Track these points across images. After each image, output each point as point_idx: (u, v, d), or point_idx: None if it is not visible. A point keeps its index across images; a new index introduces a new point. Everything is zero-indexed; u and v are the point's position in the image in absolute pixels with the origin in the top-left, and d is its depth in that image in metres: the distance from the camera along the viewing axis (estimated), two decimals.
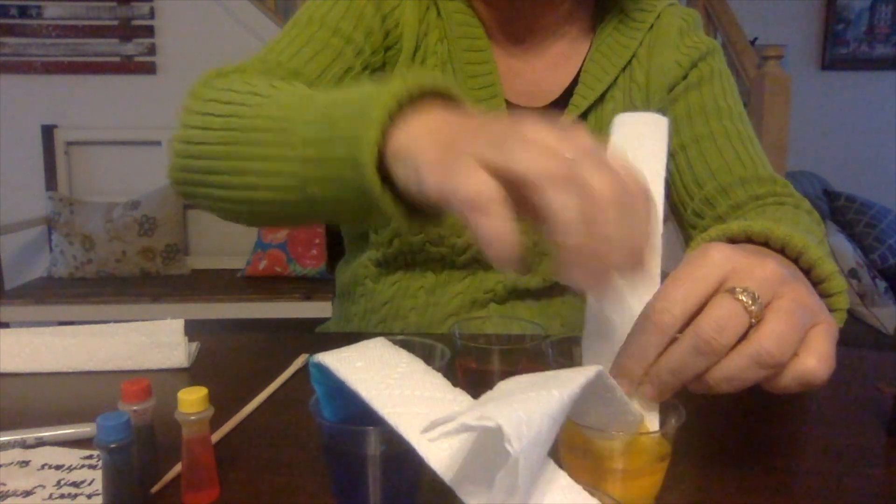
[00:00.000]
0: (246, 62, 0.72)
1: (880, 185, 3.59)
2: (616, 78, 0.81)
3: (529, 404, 0.31)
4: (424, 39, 0.79)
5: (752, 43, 2.75)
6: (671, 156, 0.83)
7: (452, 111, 0.44)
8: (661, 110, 0.81)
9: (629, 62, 0.82)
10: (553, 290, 0.82)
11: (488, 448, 0.33)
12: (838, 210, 2.96)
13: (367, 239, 0.84)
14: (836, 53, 3.69)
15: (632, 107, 0.82)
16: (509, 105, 0.80)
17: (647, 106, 0.82)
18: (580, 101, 0.80)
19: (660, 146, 0.48)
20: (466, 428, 0.30)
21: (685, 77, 0.82)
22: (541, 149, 0.36)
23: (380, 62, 0.78)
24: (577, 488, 0.32)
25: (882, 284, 2.69)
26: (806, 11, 3.68)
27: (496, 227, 0.36)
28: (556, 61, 0.83)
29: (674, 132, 0.82)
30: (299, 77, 0.70)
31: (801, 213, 0.73)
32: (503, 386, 0.35)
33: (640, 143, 0.48)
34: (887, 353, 0.78)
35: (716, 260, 0.41)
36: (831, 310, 0.50)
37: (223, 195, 0.58)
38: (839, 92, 3.72)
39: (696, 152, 0.80)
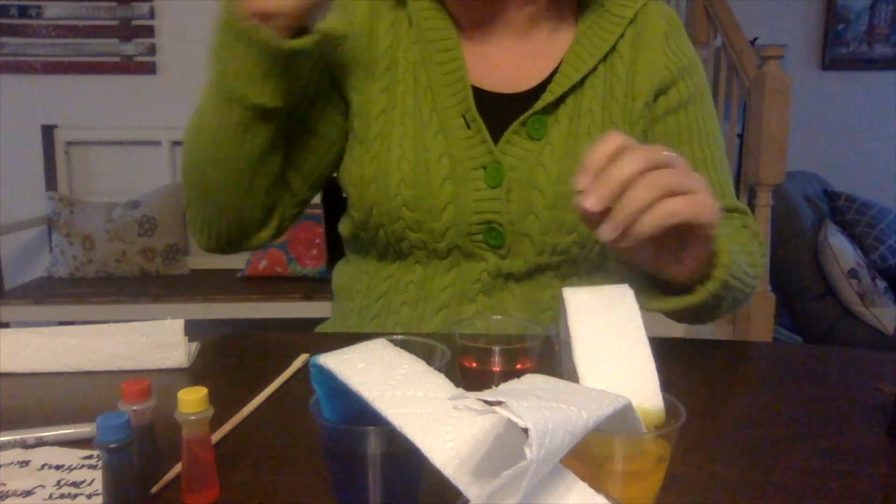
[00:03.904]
0: None
1: (880, 185, 3.59)
2: (596, 67, 0.84)
3: (559, 416, 0.31)
4: (389, 51, 0.84)
5: (752, 43, 2.74)
6: None
7: None
8: (647, 105, 0.84)
9: (610, 53, 0.84)
10: (534, 275, 0.84)
11: (502, 440, 0.33)
12: (838, 210, 2.96)
13: (362, 239, 0.88)
14: (836, 53, 3.69)
15: (612, 98, 0.84)
16: (481, 92, 0.83)
17: (630, 100, 0.84)
18: (556, 87, 0.82)
19: (633, 312, 0.48)
20: (494, 412, 0.30)
21: (672, 85, 0.85)
22: None
23: (332, 87, 0.85)
24: (592, 492, 0.32)
25: (882, 284, 2.69)
26: (806, 11, 3.67)
27: None
28: (536, 53, 0.86)
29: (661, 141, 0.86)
30: None
31: (746, 231, 0.83)
32: (531, 381, 0.35)
33: (612, 310, 0.48)
34: (887, 353, 0.78)
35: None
36: (709, 277, 0.66)
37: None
38: (839, 92, 3.72)
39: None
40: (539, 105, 0.81)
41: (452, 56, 0.83)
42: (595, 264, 0.86)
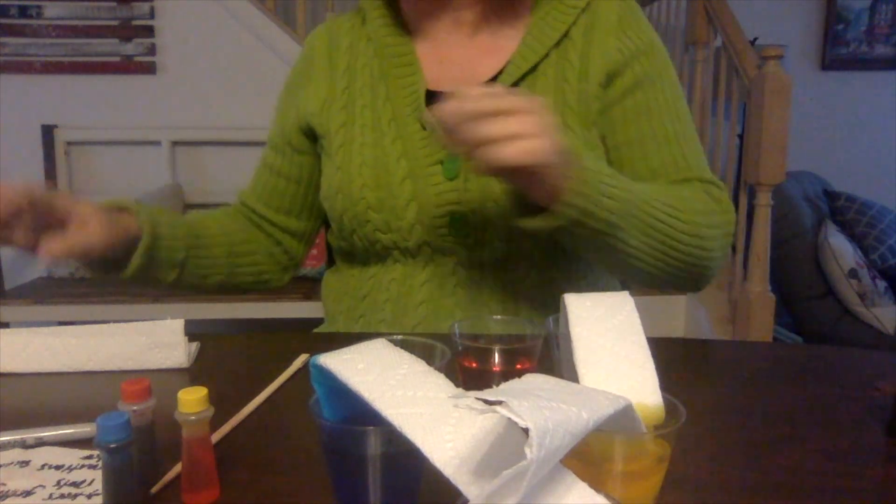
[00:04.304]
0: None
1: (880, 185, 3.60)
2: (548, 53, 0.85)
3: (559, 416, 0.31)
4: (348, 71, 0.91)
5: (752, 43, 2.75)
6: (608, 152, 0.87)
7: None
8: (600, 85, 0.84)
9: (562, 39, 0.85)
10: (507, 264, 0.85)
11: (502, 440, 0.33)
12: (838, 210, 2.96)
13: (344, 248, 0.93)
14: (836, 53, 3.69)
15: (564, 82, 0.84)
16: (437, 94, 0.85)
17: (584, 82, 0.84)
18: (506, 77, 0.84)
19: (634, 318, 0.49)
20: (495, 412, 0.31)
21: (627, 67, 0.84)
22: None
23: (296, 132, 0.94)
24: (591, 492, 0.32)
25: (882, 284, 2.69)
26: (806, 11, 3.68)
27: None
28: (488, 48, 0.88)
29: (613, 133, 0.86)
30: (245, 205, 0.98)
31: (705, 195, 0.80)
32: (531, 381, 0.35)
33: (613, 316, 0.49)
34: (887, 353, 0.78)
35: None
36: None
37: None
38: (839, 92, 3.72)
39: (635, 153, 0.85)
40: None
41: (411, 70, 0.87)
42: (570, 253, 0.86)
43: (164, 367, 0.71)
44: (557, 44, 0.85)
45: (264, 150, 1.00)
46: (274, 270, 0.98)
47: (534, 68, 0.84)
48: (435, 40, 0.90)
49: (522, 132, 0.59)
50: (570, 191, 0.65)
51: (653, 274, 0.76)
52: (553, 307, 0.90)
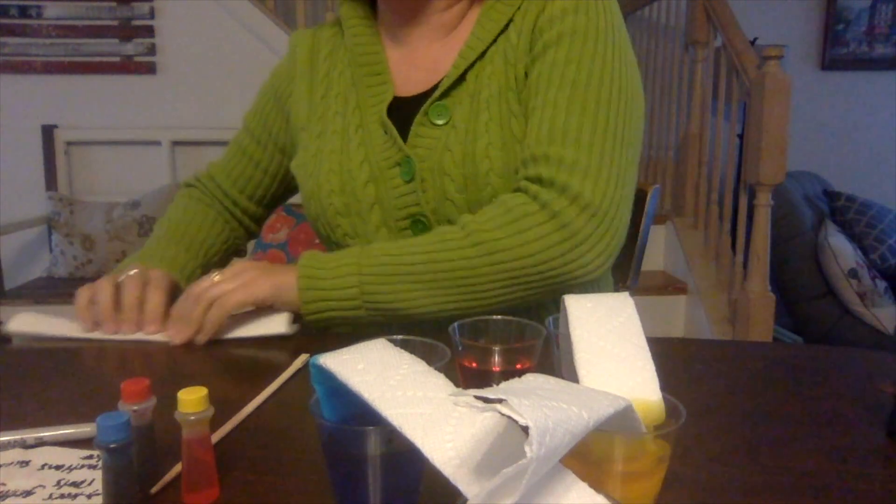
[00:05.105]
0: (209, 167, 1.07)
1: (880, 185, 3.60)
2: (495, 39, 0.85)
3: (559, 415, 0.31)
4: (326, 79, 0.93)
5: (752, 43, 2.75)
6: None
7: None
8: (527, 66, 0.83)
9: (508, 24, 0.85)
10: None
11: (503, 440, 0.33)
12: (838, 210, 2.96)
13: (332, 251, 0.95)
14: (836, 53, 3.70)
15: (508, 64, 0.83)
16: (403, 99, 0.87)
17: (514, 66, 0.83)
18: (454, 71, 0.84)
19: (633, 319, 0.49)
20: (496, 410, 0.31)
21: (539, 36, 0.82)
22: None
23: (287, 137, 0.99)
24: (591, 492, 0.32)
25: (882, 284, 2.69)
26: (806, 11, 3.68)
27: None
28: (455, 43, 0.88)
29: (526, 103, 0.82)
30: (214, 181, 1.05)
31: (520, 197, 0.76)
32: (531, 380, 0.36)
33: (613, 317, 0.49)
34: (887, 353, 0.78)
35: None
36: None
37: None
38: (839, 92, 3.72)
39: (528, 123, 0.80)
40: (437, 93, 0.83)
41: (381, 80, 0.88)
42: None
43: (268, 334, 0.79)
44: (504, 29, 0.85)
45: (240, 134, 1.04)
46: (242, 245, 1.10)
47: (482, 55, 0.84)
48: (409, 45, 0.90)
49: (227, 289, 0.76)
50: (302, 301, 0.77)
51: (502, 302, 0.75)
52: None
